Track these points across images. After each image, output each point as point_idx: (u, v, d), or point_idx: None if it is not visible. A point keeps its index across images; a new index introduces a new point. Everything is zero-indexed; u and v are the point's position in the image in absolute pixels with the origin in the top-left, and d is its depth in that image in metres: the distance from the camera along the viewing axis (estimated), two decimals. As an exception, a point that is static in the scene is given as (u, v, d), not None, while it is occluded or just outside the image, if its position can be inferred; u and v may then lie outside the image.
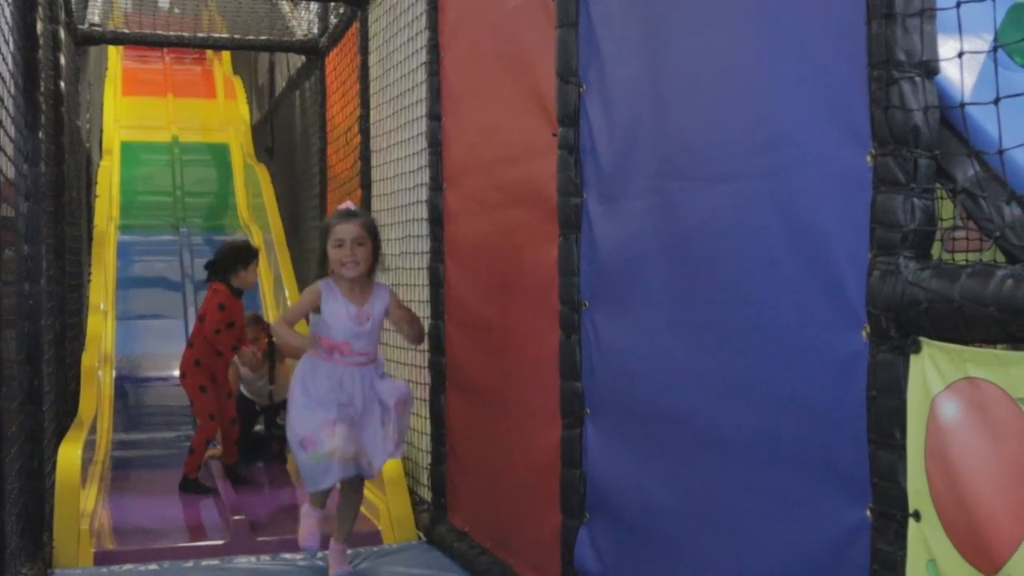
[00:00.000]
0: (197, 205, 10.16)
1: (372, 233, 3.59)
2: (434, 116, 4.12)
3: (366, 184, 5.49)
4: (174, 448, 6.18)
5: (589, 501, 2.85)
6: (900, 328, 1.65)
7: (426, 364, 4.31)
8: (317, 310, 3.62)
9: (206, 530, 4.73)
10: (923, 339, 1.61)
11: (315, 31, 7.15)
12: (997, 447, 1.48)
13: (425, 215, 4.28)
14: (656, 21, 2.45)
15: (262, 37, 7.60)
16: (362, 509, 4.56)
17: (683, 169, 2.33)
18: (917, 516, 1.64)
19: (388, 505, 4.46)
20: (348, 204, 3.71)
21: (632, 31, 2.57)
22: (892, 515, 1.68)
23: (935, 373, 1.59)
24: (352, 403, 3.54)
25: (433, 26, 4.10)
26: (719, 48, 2.19)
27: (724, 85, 2.18)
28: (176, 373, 6.08)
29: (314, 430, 3.49)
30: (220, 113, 11.89)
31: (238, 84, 12.47)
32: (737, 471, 2.13)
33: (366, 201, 5.43)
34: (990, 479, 1.49)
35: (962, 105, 1.61)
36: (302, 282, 7.35)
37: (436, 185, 4.13)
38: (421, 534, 4.34)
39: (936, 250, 2.98)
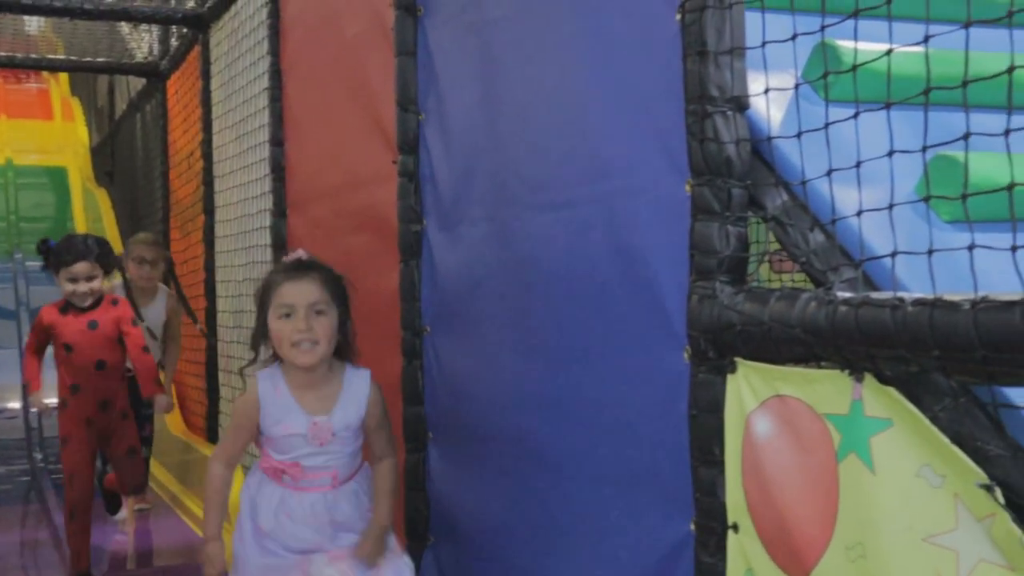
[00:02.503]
0: (33, 231, 9.81)
1: (337, 295, 2.52)
2: (277, 142, 4.11)
3: (209, 209, 5.41)
4: (8, 484, 5.95)
5: (433, 524, 2.88)
6: (717, 349, 1.74)
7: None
8: (255, 422, 2.54)
9: (39, 571, 4.58)
10: (738, 360, 1.70)
11: (156, 54, 7.02)
12: (804, 460, 1.57)
13: (269, 241, 4.25)
14: (490, 52, 2.52)
15: (100, 59, 7.42)
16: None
17: (518, 197, 2.39)
18: (736, 528, 1.72)
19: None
20: (299, 252, 2.63)
21: (468, 61, 2.63)
22: (713, 528, 1.76)
23: (749, 392, 1.68)
24: (314, 543, 2.55)
25: (275, 51, 4.09)
26: (550, 80, 2.27)
27: (555, 116, 2.25)
28: (11, 405, 5.87)
29: None
30: (58, 135, 11.53)
31: (76, 106, 12.11)
32: (570, 490, 2.20)
33: (209, 227, 5.36)
34: (799, 490, 1.58)
35: (769, 138, 1.71)
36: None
37: (279, 211, 4.11)
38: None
39: (765, 271, 3.11)
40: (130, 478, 4.47)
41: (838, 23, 1.56)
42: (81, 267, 4.12)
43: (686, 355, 1.82)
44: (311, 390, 2.53)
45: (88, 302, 4.16)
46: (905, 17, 1.51)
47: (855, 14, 1.51)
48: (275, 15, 4.08)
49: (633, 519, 2.02)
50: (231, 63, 4.95)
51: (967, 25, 1.31)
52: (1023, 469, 1.28)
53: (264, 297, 2.53)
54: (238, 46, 4.81)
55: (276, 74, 4.09)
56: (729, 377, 1.72)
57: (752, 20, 1.73)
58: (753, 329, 1.63)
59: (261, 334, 2.55)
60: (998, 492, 1.28)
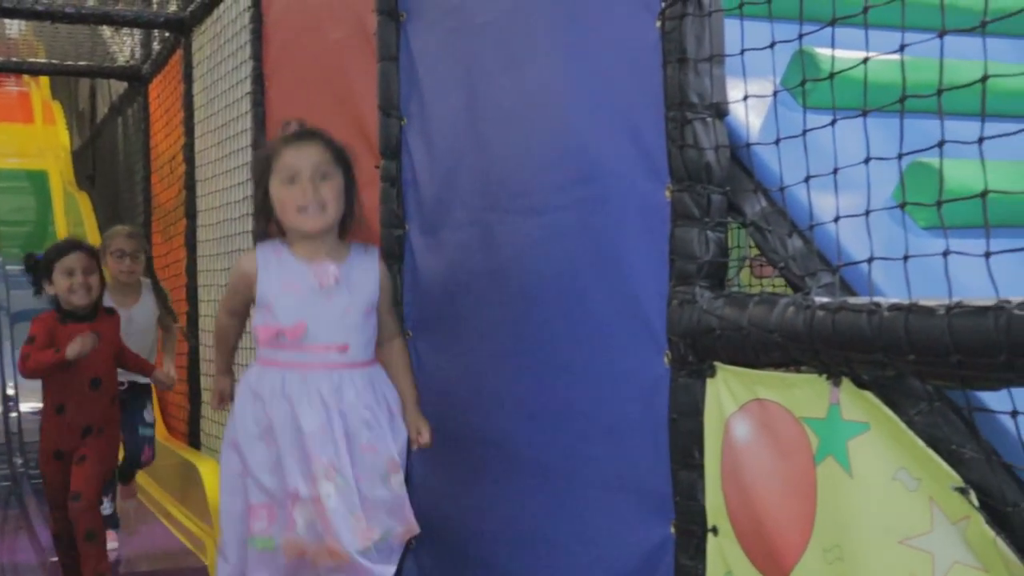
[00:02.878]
0: (14, 234, 9.75)
1: (343, 161, 2.43)
2: (259, 146, 4.10)
3: (191, 213, 5.41)
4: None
5: (415, 528, 2.89)
6: (697, 354, 1.75)
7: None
8: (252, 289, 2.42)
9: (19, 574, 4.56)
10: (718, 364, 1.72)
11: (138, 57, 7.00)
12: (783, 463, 1.59)
13: (251, 245, 4.24)
14: (473, 58, 2.53)
15: (82, 62, 7.41)
16: (186, 542, 4.51)
17: (500, 202, 2.40)
18: (715, 531, 1.74)
19: (215, 538, 4.39)
20: (296, 122, 2.57)
21: (450, 67, 2.64)
22: (693, 531, 1.78)
23: (728, 396, 1.70)
24: (320, 439, 2.31)
25: (257, 56, 4.09)
26: (532, 86, 2.28)
27: (537, 122, 2.26)
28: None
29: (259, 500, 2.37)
30: (38, 139, 11.46)
31: (57, 109, 12.06)
32: (551, 493, 2.21)
33: (191, 231, 5.35)
34: (777, 493, 1.60)
35: (748, 145, 1.73)
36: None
37: (261, 215, 4.10)
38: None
39: (746, 276, 3.14)
40: (79, 484, 3.68)
41: (816, 31, 1.58)
42: (77, 256, 3.75)
43: (666, 359, 1.84)
44: (318, 253, 2.41)
45: (88, 300, 3.72)
46: (882, 25, 1.53)
47: (832, 22, 1.52)
48: (257, 20, 4.08)
49: (614, 522, 2.03)
50: (213, 67, 4.94)
51: (942, 35, 1.33)
52: (997, 472, 1.30)
53: (264, 167, 2.41)
54: (220, 50, 4.80)
55: (258, 78, 4.09)
56: (709, 381, 1.73)
57: (731, 27, 1.75)
58: (732, 334, 1.65)
59: (266, 205, 2.41)
60: (972, 495, 1.30)
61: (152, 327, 4.71)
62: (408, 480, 2.88)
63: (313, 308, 2.37)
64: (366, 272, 2.48)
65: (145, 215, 6.73)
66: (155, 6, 6.39)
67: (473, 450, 2.56)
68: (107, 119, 8.58)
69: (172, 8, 5.86)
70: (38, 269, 3.82)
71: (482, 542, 2.53)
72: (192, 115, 5.39)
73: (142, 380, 4.54)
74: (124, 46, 7.46)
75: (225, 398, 2.66)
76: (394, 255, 2.88)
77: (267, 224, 2.47)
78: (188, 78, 5.41)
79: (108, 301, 4.15)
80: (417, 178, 2.82)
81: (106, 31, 7.66)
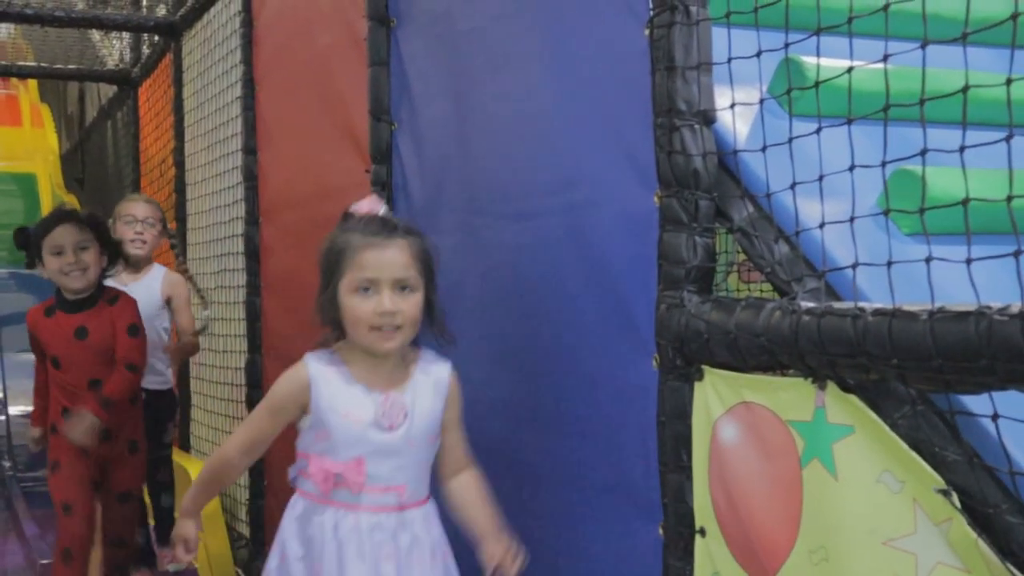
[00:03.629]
0: (1, 237, 9.75)
1: (426, 266, 2.06)
2: (249, 150, 4.12)
3: (181, 217, 5.42)
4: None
5: (405, 531, 2.90)
6: (685, 357, 1.77)
7: (243, 399, 4.28)
8: (305, 409, 2.07)
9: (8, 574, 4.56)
10: (705, 367, 1.74)
11: (127, 61, 7.01)
12: (769, 466, 1.61)
13: (241, 249, 4.26)
14: (462, 64, 2.55)
15: (71, 66, 7.40)
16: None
17: (488, 207, 2.42)
18: (703, 532, 1.76)
19: (205, 542, 4.39)
20: (376, 204, 2.13)
21: (439, 72, 2.66)
22: (681, 532, 1.80)
23: (716, 399, 1.72)
24: None
25: (248, 60, 4.11)
26: (521, 92, 2.30)
27: (526, 128, 2.29)
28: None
29: None
30: (27, 141, 11.45)
31: (46, 112, 12.05)
32: (541, 495, 2.23)
33: (181, 234, 5.36)
34: (764, 495, 1.62)
35: (735, 151, 1.75)
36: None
37: (252, 219, 4.12)
38: (239, 571, 4.29)
39: (732, 281, 3.16)
40: (118, 529, 3.49)
41: (802, 40, 1.60)
42: (65, 230, 3.26)
43: (654, 363, 1.86)
44: (375, 374, 2.06)
45: (82, 284, 3.25)
46: (866, 34, 1.55)
47: (818, 32, 1.55)
48: (248, 24, 4.10)
49: (603, 525, 2.05)
50: (203, 71, 4.95)
51: (924, 45, 1.35)
52: (979, 475, 1.32)
53: (335, 263, 2.03)
54: (210, 55, 4.82)
55: (249, 83, 4.10)
56: (696, 385, 1.75)
57: (719, 36, 1.77)
58: (720, 337, 1.67)
59: (331, 308, 2.04)
60: (955, 497, 1.32)
61: (150, 318, 3.85)
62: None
63: (373, 445, 2.03)
64: (435, 391, 2.12)
65: (134, 218, 6.72)
66: (145, 10, 6.40)
67: (463, 453, 2.57)
68: (96, 122, 8.58)
69: (162, 12, 5.87)
70: (29, 246, 3.38)
71: (472, 545, 2.54)
72: (182, 119, 5.40)
73: (164, 388, 4.15)
74: (113, 50, 7.46)
75: (191, 548, 2.26)
76: (384, 259, 2.90)
77: (329, 323, 2.08)
78: (178, 82, 5.42)
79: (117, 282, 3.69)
80: (407, 183, 2.84)
81: (95, 35, 7.65)
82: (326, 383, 2.05)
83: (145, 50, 6.53)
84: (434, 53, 2.70)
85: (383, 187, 2.90)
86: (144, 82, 6.54)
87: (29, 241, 3.38)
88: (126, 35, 6.90)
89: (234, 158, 4.41)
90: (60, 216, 3.36)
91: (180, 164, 5.43)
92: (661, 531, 1.86)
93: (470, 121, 2.51)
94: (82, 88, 9.46)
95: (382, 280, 1.98)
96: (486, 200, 2.44)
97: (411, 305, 2.01)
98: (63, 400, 3.35)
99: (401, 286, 2.00)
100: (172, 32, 5.46)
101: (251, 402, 4.14)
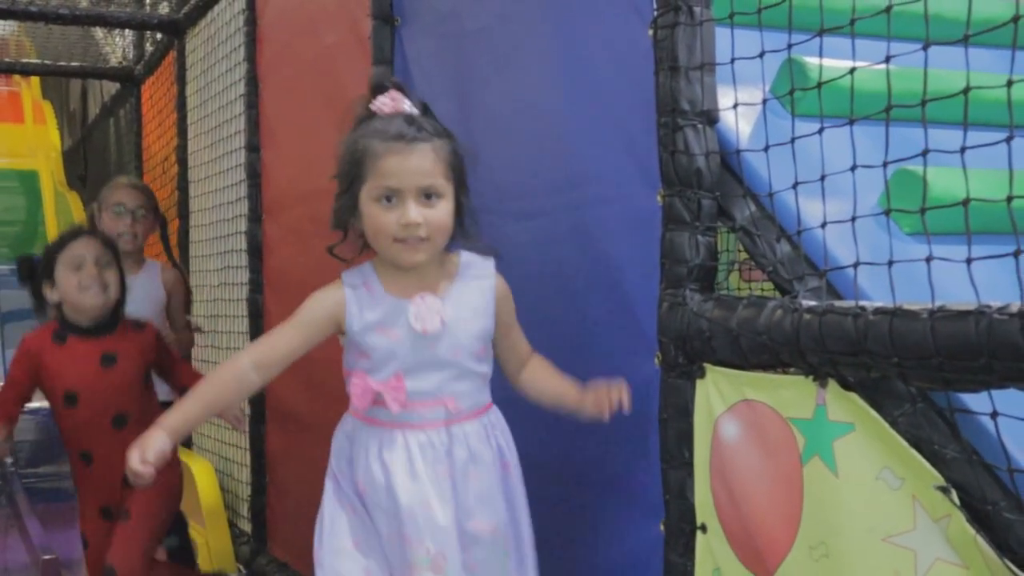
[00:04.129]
0: (3, 234, 9.78)
1: (454, 167, 1.92)
2: (253, 148, 4.13)
3: (184, 215, 5.43)
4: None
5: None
6: (687, 355, 1.79)
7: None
8: (340, 327, 1.96)
9: (10, 573, 4.57)
10: (707, 365, 1.75)
11: (131, 58, 7.02)
12: (770, 463, 1.62)
13: (244, 246, 4.27)
14: (466, 63, 2.56)
15: (74, 63, 7.41)
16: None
17: (492, 205, 2.43)
18: (704, 529, 1.77)
19: (207, 539, 4.41)
20: (398, 98, 1.93)
21: (444, 71, 2.68)
22: (682, 529, 1.81)
23: (717, 396, 1.73)
24: (422, 518, 1.89)
25: (251, 58, 4.12)
26: (525, 92, 2.32)
27: (530, 127, 2.30)
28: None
29: None
30: (29, 138, 11.47)
31: (48, 109, 12.06)
32: (543, 492, 2.24)
33: (183, 232, 5.37)
34: (765, 492, 1.63)
35: (738, 151, 1.76)
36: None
37: (255, 216, 4.13)
38: (241, 567, 4.31)
39: (734, 280, 3.18)
40: (116, 554, 2.92)
41: (805, 41, 1.62)
42: (86, 243, 2.97)
43: (657, 361, 1.87)
44: (413, 277, 1.93)
45: (101, 303, 2.91)
46: (869, 35, 1.56)
47: (821, 33, 1.56)
48: (252, 23, 4.11)
49: (606, 521, 2.06)
50: (207, 69, 4.96)
51: (926, 47, 1.37)
52: (978, 472, 1.34)
53: (355, 169, 1.88)
54: (214, 52, 4.83)
55: (252, 80, 4.11)
56: (698, 382, 1.77)
57: (722, 36, 1.79)
58: (722, 336, 1.68)
59: (349, 212, 1.92)
60: (954, 494, 1.33)
61: (155, 317, 3.67)
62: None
63: (413, 358, 1.90)
64: (479, 294, 1.98)
65: (137, 216, 6.73)
66: (148, 8, 6.41)
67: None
68: (99, 119, 8.59)
69: (164, 10, 5.88)
70: (35, 273, 3.02)
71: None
72: (185, 117, 5.41)
73: (171, 399, 3.62)
74: (116, 47, 7.47)
75: (146, 459, 1.89)
76: (388, 257, 2.92)
77: (346, 231, 1.97)
78: (181, 80, 5.43)
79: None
80: (411, 181, 2.85)
81: (98, 32, 7.66)
82: (358, 302, 1.92)
83: (148, 47, 6.54)
84: (439, 52, 2.71)
85: (387, 185, 2.92)
86: (147, 79, 6.55)
87: (34, 267, 3.03)
88: (129, 32, 6.91)
89: (237, 156, 4.42)
90: (80, 230, 3.08)
91: (183, 162, 5.44)
92: (662, 527, 1.87)
93: (475, 120, 2.53)
94: (84, 85, 9.48)
95: (405, 189, 1.84)
96: (491, 198, 2.45)
97: (438, 214, 1.87)
98: (81, 443, 2.93)
99: (426, 194, 1.86)
100: (175, 30, 5.47)
101: (253, 399, 4.15)
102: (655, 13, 1.82)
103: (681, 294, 1.80)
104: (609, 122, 2.03)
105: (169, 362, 3.24)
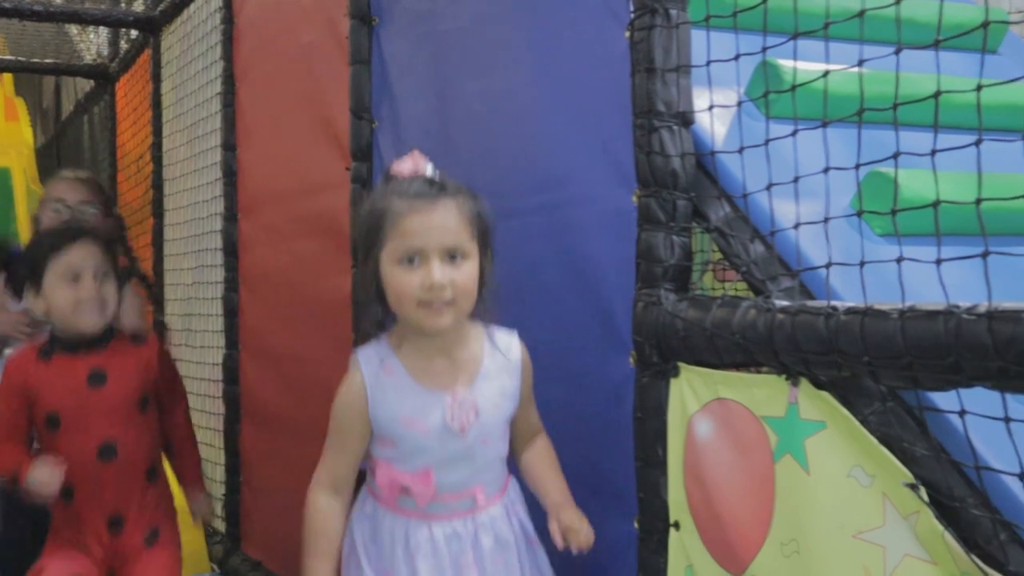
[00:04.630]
0: (-25, 231, 9.68)
1: (479, 227, 1.82)
2: (229, 146, 4.12)
3: (158, 213, 5.41)
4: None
5: (382, 525, 2.92)
6: (661, 354, 1.80)
7: (219, 394, 4.29)
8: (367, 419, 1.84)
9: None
10: (681, 364, 1.77)
11: (105, 55, 6.98)
12: (743, 460, 1.64)
13: (219, 245, 4.27)
14: (444, 63, 2.57)
15: (48, 60, 7.37)
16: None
17: (469, 205, 2.45)
18: (677, 526, 1.79)
19: (181, 537, 4.39)
20: (419, 160, 1.86)
21: (421, 71, 2.69)
22: (656, 526, 1.83)
23: (691, 395, 1.75)
24: None
25: (228, 57, 4.11)
26: (502, 92, 2.33)
27: (506, 127, 2.31)
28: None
29: None
30: (1, 135, 11.37)
31: (21, 106, 11.95)
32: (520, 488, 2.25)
33: (158, 230, 5.35)
34: (737, 489, 1.65)
35: (712, 153, 1.78)
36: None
37: (231, 215, 4.12)
38: (214, 566, 4.30)
39: (708, 280, 3.20)
40: None
41: (780, 44, 1.63)
42: (85, 251, 2.51)
43: (631, 360, 1.89)
44: (438, 359, 1.84)
45: (98, 323, 2.52)
46: (842, 38, 1.58)
47: (795, 36, 1.58)
48: (228, 21, 4.10)
49: (579, 519, 2.08)
50: (183, 67, 4.95)
51: (898, 51, 1.39)
52: (946, 469, 1.36)
53: (375, 231, 1.77)
54: (190, 50, 4.81)
55: (229, 79, 4.11)
56: (672, 381, 1.79)
57: (698, 39, 1.80)
58: (696, 335, 1.70)
59: (371, 284, 1.80)
60: (923, 491, 1.36)
61: None
62: (375, 478, 2.92)
63: (442, 452, 1.82)
64: (507, 375, 1.90)
65: (111, 214, 6.71)
66: (124, 5, 6.39)
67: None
68: (72, 116, 8.55)
69: (140, 7, 5.86)
70: (19, 269, 2.63)
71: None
72: (160, 114, 5.39)
73: None
74: (91, 44, 7.44)
75: None
76: (364, 256, 2.92)
77: (374, 300, 1.83)
78: (157, 77, 5.41)
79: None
80: (388, 180, 2.85)
81: (73, 29, 7.63)
82: (382, 389, 1.82)
83: (123, 45, 6.51)
84: (416, 52, 2.72)
85: (363, 184, 2.92)
86: (122, 77, 6.52)
87: (15, 263, 2.68)
88: (104, 29, 6.88)
89: (213, 154, 4.41)
90: (78, 232, 2.57)
91: (158, 160, 5.42)
92: (636, 525, 1.89)
93: (452, 120, 2.54)
94: (58, 82, 9.42)
95: (429, 248, 1.73)
96: (466, 198, 2.47)
97: (464, 275, 1.76)
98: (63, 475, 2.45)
99: (451, 254, 1.75)
100: (151, 27, 5.45)
101: (228, 397, 4.15)
102: (632, 15, 1.84)
103: (656, 294, 1.81)
104: (585, 123, 2.04)
105: (169, 394, 2.77)
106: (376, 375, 1.83)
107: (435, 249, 1.73)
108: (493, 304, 1.87)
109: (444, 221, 1.75)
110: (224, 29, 4.12)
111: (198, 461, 2.88)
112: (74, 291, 2.48)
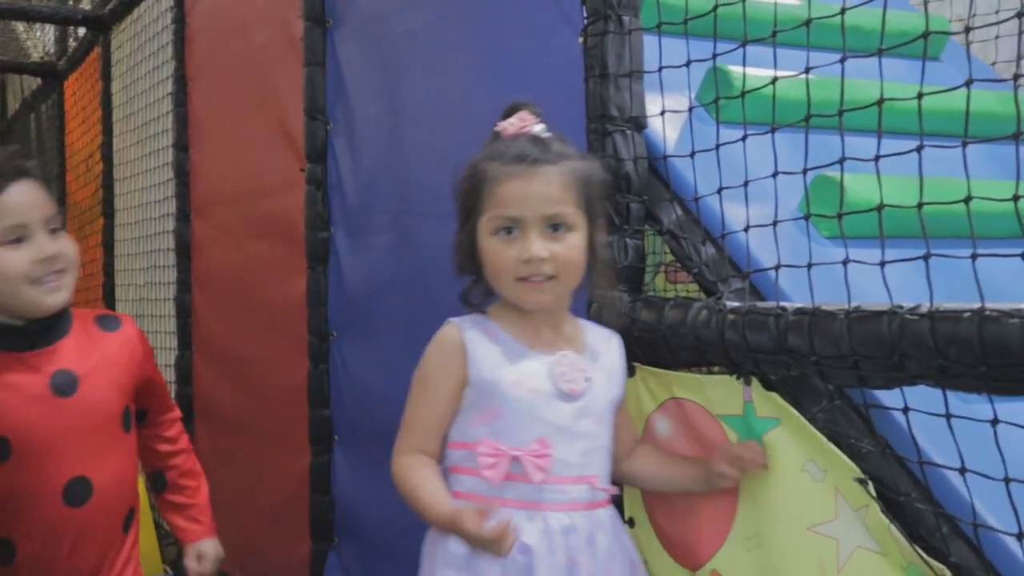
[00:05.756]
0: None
1: (586, 195, 1.61)
2: (181, 147, 4.10)
3: (108, 213, 5.37)
4: None
5: (338, 525, 2.94)
6: (617, 354, 1.83)
7: (173, 395, 4.27)
8: (462, 381, 1.61)
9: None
10: (636, 364, 1.80)
11: (53, 53, 6.91)
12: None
13: (171, 245, 4.25)
14: (397, 65, 2.59)
15: (-7, 57, 7.28)
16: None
17: (420, 206, 2.47)
18: (631, 523, 1.82)
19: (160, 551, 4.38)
20: (527, 118, 1.65)
21: (375, 73, 2.70)
22: (611, 523, 1.86)
23: (648, 394, 1.78)
24: None
25: (180, 56, 4.10)
26: (454, 95, 2.35)
27: (459, 130, 2.33)
28: None
29: None
30: (-55, 134, 11.20)
31: (-35, 103, 11.79)
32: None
33: (108, 230, 5.31)
34: (693, 487, 1.69)
35: (665, 156, 1.82)
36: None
37: (183, 216, 4.11)
38: (167, 568, 4.28)
39: (660, 282, 3.24)
40: None
41: (730, 51, 1.67)
42: (30, 192, 1.72)
43: (588, 359, 1.91)
44: (545, 330, 1.64)
45: (61, 302, 1.75)
46: (791, 44, 1.62)
47: (744, 43, 1.62)
48: (180, 20, 4.08)
49: (535, 516, 2.10)
50: (133, 66, 4.92)
51: (843, 59, 1.43)
52: (891, 464, 1.40)
53: (472, 197, 1.61)
54: (141, 49, 4.79)
55: (181, 79, 4.09)
56: (628, 381, 1.82)
57: (650, 45, 1.84)
58: (649, 335, 1.73)
59: (467, 253, 1.64)
60: (870, 485, 1.40)
61: None
62: (331, 477, 2.93)
63: (555, 421, 1.57)
64: (610, 355, 1.70)
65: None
66: (71, 2, 6.32)
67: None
68: (19, 114, 8.43)
69: (89, 5, 5.80)
70: None
71: (403, 535, 2.57)
72: (110, 114, 5.35)
73: None
74: (38, 42, 7.35)
75: (504, 531, 1.46)
76: (319, 258, 2.93)
77: (473, 272, 1.67)
78: (107, 76, 5.37)
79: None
80: (342, 182, 2.87)
81: (19, 26, 7.53)
82: (484, 348, 1.60)
83: (72, 43, 6.44)
84: (370, 54, 2.73)
85: (317, 186, 2.93)
86: (71, 75, 6.45)
87: None
88: (52, 27, 6.80)
89: (165, 154, 4.39)
90: (16, 170, 1.72)
91: (108, 159, 5.38)
92: (591, 521, 1.91)
93: (405, 122, 2.56)
94: (3, 79, 9.29)
95: (527, 218, 1.56)
96: (419, 200, 2.49)
97: (567, 248, 1.57)
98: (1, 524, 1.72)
99: (553, 224, 1.57)
100: (100, 25, 5.41)
101: (180, 398, 4.13)
102: (585, 21, 1.87)
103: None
104: (540, 126, 2.06)
105: (158, 401, 2.07)
106: (475, 336, 1.62)
107: (533, 219, 1.56)
108: (610, 282, 1.72)
109: (544, 188, 1.57)
110: (176, 29, 4.11)
111: (206, 498, 2.19)
112: (22, 256, 1.69)
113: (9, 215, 1.70)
